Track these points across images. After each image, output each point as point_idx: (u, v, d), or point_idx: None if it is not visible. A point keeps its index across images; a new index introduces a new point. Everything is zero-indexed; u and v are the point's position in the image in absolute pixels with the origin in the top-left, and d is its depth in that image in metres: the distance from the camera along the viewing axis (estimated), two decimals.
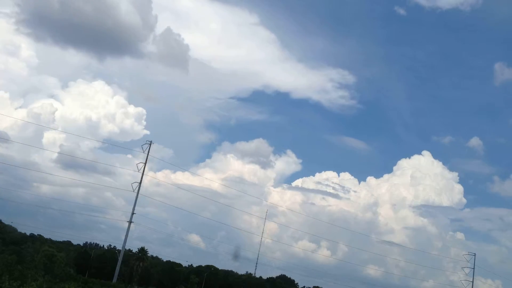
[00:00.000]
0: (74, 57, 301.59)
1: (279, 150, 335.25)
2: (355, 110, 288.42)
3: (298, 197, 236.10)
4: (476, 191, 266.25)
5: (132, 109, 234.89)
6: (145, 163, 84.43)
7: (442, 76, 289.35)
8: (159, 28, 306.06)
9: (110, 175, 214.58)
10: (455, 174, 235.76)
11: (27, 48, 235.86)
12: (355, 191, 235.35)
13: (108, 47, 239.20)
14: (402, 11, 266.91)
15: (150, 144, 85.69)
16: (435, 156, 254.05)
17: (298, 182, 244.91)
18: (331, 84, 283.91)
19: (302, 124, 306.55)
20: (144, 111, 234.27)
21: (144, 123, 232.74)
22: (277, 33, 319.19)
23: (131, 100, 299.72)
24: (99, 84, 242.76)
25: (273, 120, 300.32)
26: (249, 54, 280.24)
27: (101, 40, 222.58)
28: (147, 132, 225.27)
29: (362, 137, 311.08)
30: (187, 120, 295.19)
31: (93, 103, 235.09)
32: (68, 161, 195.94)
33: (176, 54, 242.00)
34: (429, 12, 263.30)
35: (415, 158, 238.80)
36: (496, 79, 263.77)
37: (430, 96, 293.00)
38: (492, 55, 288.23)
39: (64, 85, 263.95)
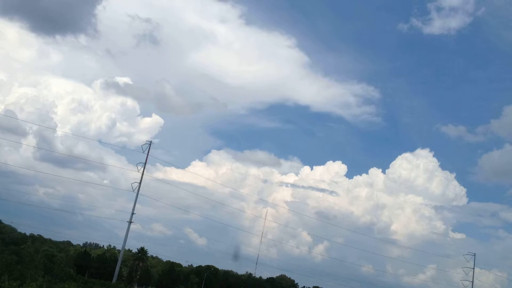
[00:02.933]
0: None
1: (284, 154, 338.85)
2: (375, 124, 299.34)
3: (298, 197, 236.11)
4: (473, 190, 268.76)
5: (147, 119, 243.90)
6: (145, 163, 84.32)
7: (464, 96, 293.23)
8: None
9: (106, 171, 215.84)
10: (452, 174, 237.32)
11: None
12: (353, 191, 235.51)
13: None
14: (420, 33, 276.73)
15: (150, 144, 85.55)
16: (435, 155, 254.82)
17: (300, 183, 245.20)
18: (354, 98, 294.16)
19: (312, 133, 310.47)
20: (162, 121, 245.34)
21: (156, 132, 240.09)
22: (310, 55, 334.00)
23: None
24: None
25: (284, 127, 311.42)
26: (276, 71, 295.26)
27: None
28: (156, 140, 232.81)
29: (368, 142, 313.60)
30: (193, 126, 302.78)
31: None
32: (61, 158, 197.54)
33: None
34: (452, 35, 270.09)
35: (411, 156, 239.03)
36: None
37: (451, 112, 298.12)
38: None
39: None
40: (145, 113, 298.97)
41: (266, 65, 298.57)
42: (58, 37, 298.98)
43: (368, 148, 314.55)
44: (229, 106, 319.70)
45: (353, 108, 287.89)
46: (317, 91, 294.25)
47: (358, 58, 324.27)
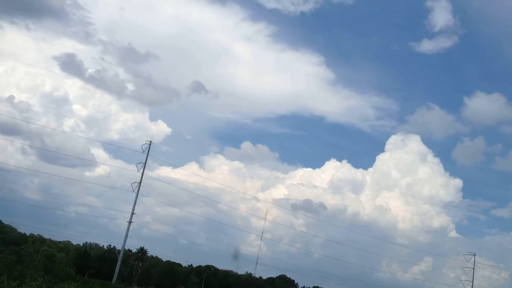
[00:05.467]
0: None
1: (289, 157, 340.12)
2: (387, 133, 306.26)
3: (299, 197, 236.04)
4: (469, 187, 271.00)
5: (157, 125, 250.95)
6: (145, 163, 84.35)
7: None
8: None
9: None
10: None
11: None
12: (354, 191, 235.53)
13: None
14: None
15: (150, 144, 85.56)
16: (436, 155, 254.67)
17: (302, 183, 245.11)
18: (372, 110, 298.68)
19: (319, 139, 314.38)
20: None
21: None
22: (334, 71, 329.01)
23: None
24: None
25: (294, 133, 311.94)
26: (295, 84, 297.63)
27: None
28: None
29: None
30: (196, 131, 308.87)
31: None
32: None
33: None
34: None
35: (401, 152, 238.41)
36: None
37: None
38: None
39: None
40: (153, 118, 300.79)
41: (283, 78, 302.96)
42: None
43: (373, 152, 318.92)
44: (240, 114, 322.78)
45: (371, 120, 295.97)
46: (335, 103, 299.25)
47: (379, 73, 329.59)
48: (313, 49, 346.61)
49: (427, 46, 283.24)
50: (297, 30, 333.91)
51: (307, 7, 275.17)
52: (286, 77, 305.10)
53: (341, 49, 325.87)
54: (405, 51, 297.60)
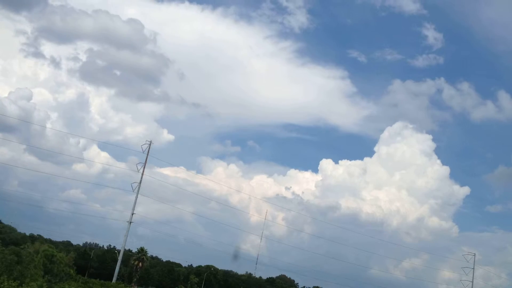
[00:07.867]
0: None
1: (291, 159, 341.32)
2: None
3: (300, 197, 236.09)
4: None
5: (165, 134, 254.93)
6: (145, 163, 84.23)
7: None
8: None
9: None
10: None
11: None
12: (354, 190, 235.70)
13: None
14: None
15: (150, 144, 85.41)
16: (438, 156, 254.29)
17: (302, 184, 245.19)
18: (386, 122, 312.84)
19: (328, 144, 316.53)
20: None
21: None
22: (356, 85, 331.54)
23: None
24: None
25: (301, 138, 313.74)
26: (309, 96, 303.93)
27: None
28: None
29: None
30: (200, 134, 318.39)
31: None
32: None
33: None
34: None
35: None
36: None
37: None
38: None
39: None
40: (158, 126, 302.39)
41: (299, 90, 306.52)
42: None
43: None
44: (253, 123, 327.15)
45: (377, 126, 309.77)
46: (348, 113, 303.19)
47: (392, 85, 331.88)
48: (336, 64, 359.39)
49: (421, 61, 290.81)
50: (313, 46, 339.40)
51: (309, 27, 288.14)
52: (298, 88, 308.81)
53: (356, 64, 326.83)
54: (404, 64, 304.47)
